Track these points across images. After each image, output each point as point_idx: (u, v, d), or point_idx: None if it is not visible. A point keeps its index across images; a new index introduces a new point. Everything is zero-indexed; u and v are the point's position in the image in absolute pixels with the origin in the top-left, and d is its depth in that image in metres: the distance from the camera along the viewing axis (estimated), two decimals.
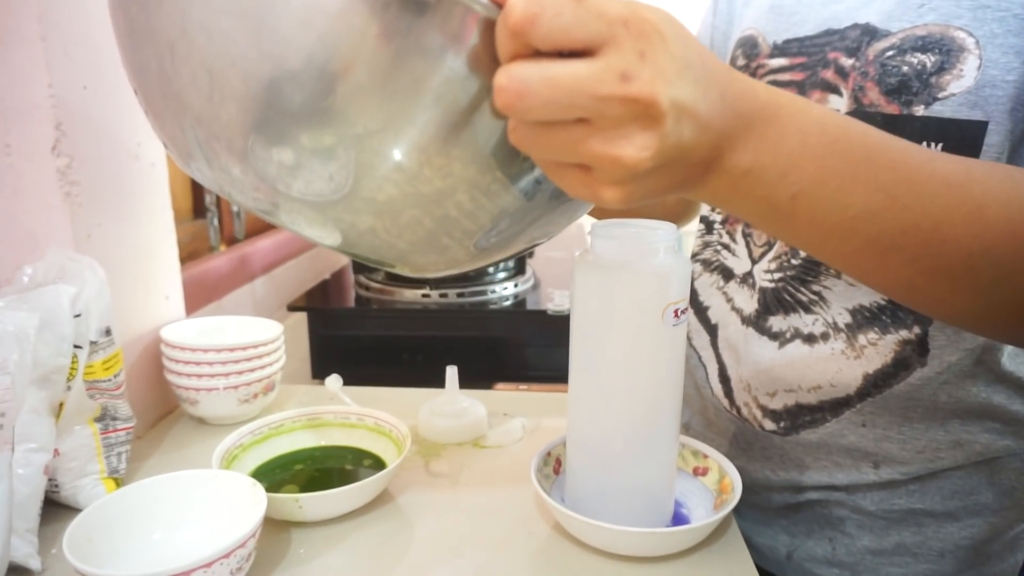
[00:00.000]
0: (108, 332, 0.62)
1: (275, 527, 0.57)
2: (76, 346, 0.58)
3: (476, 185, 0.34)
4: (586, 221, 0.55)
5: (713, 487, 0.59)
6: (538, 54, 0.29)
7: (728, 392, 0.62)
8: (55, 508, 0.59)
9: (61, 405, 0.58)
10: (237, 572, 0.47)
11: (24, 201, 0.64)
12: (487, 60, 0.30)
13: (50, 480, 0.58)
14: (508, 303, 1.19)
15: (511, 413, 0.79)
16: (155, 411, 0.79)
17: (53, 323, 0.56)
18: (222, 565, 0.45)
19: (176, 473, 0.54)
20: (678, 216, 0.75)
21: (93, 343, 0.60)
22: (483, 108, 0.32)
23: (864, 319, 0.53)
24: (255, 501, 0.52)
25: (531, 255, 1.52)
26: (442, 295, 1.18)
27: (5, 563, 0.48)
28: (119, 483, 0.62)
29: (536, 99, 0.29)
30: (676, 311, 0.49)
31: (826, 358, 0.55)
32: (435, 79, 0.30)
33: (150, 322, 0.78)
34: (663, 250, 0.49)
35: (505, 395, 0.86)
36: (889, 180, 0.38)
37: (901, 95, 0.49)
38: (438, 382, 0.77)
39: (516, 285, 1.23)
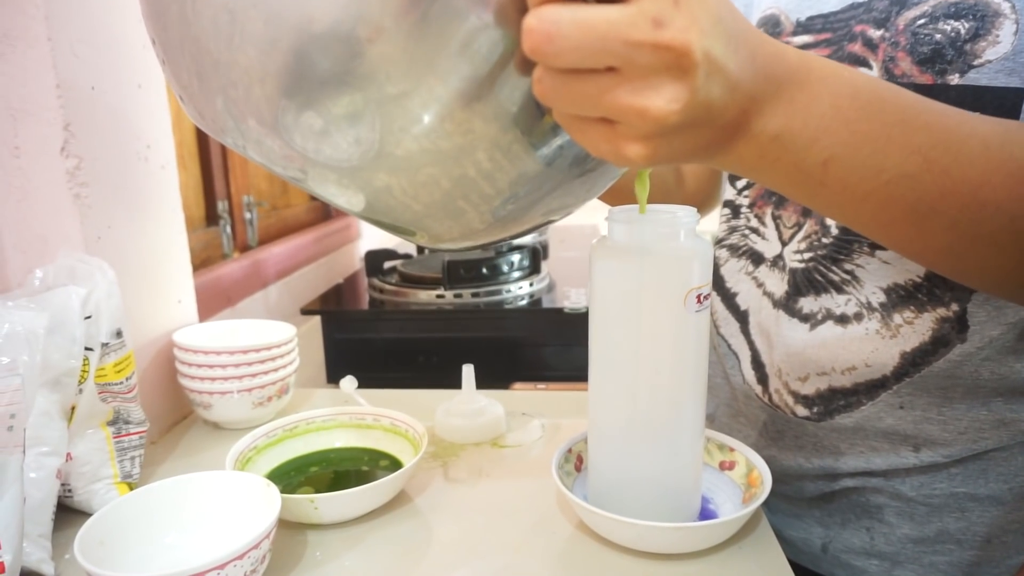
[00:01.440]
0: (119, 334, 0.61)
1: (291, 529, 0.56)
2: (87, 348, 0.57)
3: (496, 144, 0.33)
4: (601, 211, 0.53)
5: (741, 481, 0.57)
6: None
7: (762, 379, 0.60)
8: (68, 513, 0.58)
9: (73, 408, 0.57)
10: (251, 574, 0.46)
11: (34, 203, 0.63)
12: (515, 13, 0.29)
13: (63, 485, 0.57)
14: (524, 302, 1.17)
15: (530, 413, 0.78)
16: (169, 416, 0.78)
17: (63, 325, 0.55)
18: (236, 567, 0.44)
19: (189, 475, 0.53)
20: (699, 205, 0.73)
21: (104, 345, 0.59)
22: (508, 63, 0.31)
23: (899, 298, 0.51)
24: (269, 502, 0.50)
25: (546, 256, 1.51)
26: (457, 295, 1.16)
27: (18, 568, 0.47)
28: (132, 488, 0.61)
29: (566, 42, 0.28)
30: (699, 296, 0.48)
31: (860, 338, 0.53)
32: (462, 30, 0.29)
33: (163, 326, 0.77)
34: (684, 233, 0.48)
35: (523, 395, 0.85)
36: (925, 143, 0.37)
37: (935, 64, 0.47)
38: (454, 384, 0.76)
39: (531, 284, 1.22)
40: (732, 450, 0.59)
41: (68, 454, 0.56)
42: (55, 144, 0.62)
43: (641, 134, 0.31)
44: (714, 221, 0.71)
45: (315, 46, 0.30)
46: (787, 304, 0.57)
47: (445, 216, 0.37)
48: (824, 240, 0.54)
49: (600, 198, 0.64)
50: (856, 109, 0.36)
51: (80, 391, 0.57)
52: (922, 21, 0.48)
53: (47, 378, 0.53)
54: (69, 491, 0.58)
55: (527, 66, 0.31)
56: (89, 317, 0.58)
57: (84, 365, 0.57)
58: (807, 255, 0.55)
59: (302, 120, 0.32)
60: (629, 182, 0.47)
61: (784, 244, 0.57)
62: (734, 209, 0.64)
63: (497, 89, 0.31)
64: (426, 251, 1.53)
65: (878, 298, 0.52)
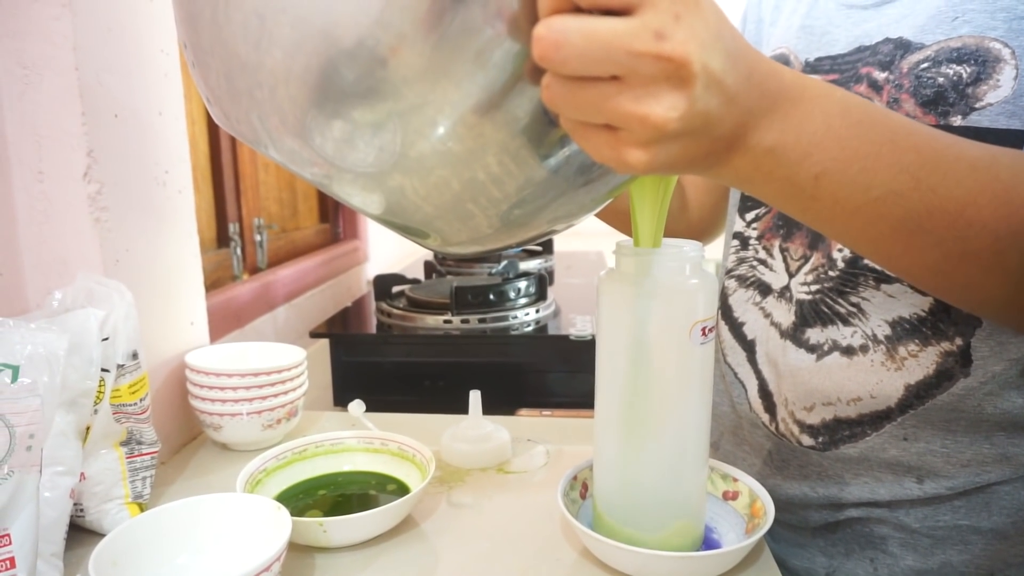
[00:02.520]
0: (135, 356, 0.62)
1: (299, 552, 0.56)
2: (103, 369, 0.58)
3: (505, 149, 0.35)
4: (605, 238, 0.55)
5: (744, 511, 0.58)
6: (578, 11, 0.30)
7: (770, 407, 0.61)
8: (80, 533, 0.59)
9: (88, 429, 0.58)
10: None
11: (55, 226, 0.65)
12: (527, 25, 0.31)
13: (75, 504, 0.58)
14: (529, 328, 1.18)
15: (534, 439, 0.78)
16: (179, 437, 0.79)
17: (81, 346, 0.56)
18: None
19: (200, 497, 0.54)
20: (702, 233, 0.75)
21: (120, 367, 0.60)
22: (520, 72, 0.33)
23: (904, 331, 0.52)
24: (279, 525, 0.51)
25: (552, 283, 1.52)
26: (464, 321, 1.17)
27: None
28: (143, 508, 0.61)
29: (572, 50, 0.30)
30: (704, 329, 0.49)
31: (866, 369, 0.54)
32: (479, 42, 0.31)
33: (175, 348, 0.78)
34: (690, 267, 0.49)
35: (528, 421, 0.85)
36: (913, 162, 0.38)
37: (937, 106, 0.49)
38: (460, 408, 0.77)
39: (537, 311, 1.23)
40: (735, 480, 0.59)
41: (82, 474, 0.57)
42: (78, 169, 0.64)
43: (641, 140, 0.33)
44: (718, 249, 0.72)
45: (341, 60, 0.32)
46: (794, 335, 0.58)
47: (455, 218, 0.39)
48: (831, 273, 0.55)
49: (602, 219, 0.65)
50: (847, 127, 0.37)
51: (95, 412, 0.58)
52: (925, 65, 0.49)
53: (64, 399, 0.54)
54: (81, 511, 0.58)
55: (537, 75, 0.33)
56: (106, 339, 0.59)
57: (100, 386, 0.58)
58: (814, 287, 0.57)
59: (327, 129, 0.34)
60: (627, 205, 0.49)
61: (791, 276, 0.59)
62: (743, 241, 0.65)
63: (508, 97, 0.33)
64: (434, 276, 1.54)
65: (883, 331, 0.53)
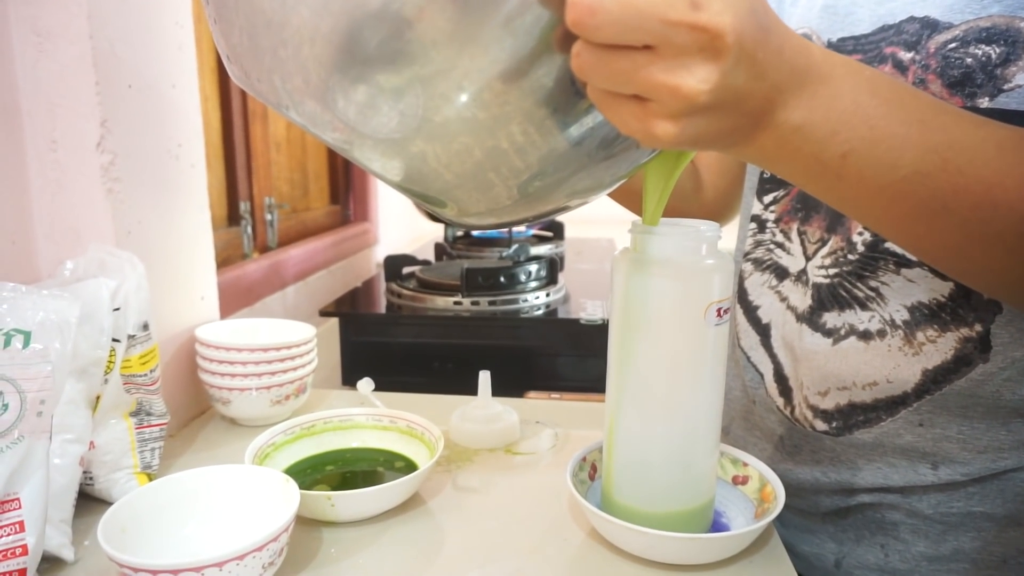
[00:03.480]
0: (146, 327, 0.62)
1: (307, 526, 0.56)
2: (114, 339, 0.58)
3: (530, 118, 0.34)
4: (618, 225, 0.54)
5: (754, 496, 0.57)
6: None
7: (785, 391, 0.61)
8: (89, 501, 0.59)
9: (98, 398, 0.58)
10: (269, 567, 0.47)
11: (68, 196, 0.65)
12: None
13: (85, 472, 0.58)
14: (540, 312, 1.18)
15: (543, 422, 0.78)
16: (188, 410, 0.79)
17: (93, 316, 0.56)
18: (255, 558, 0.44)
19: (209, 467, 0.54)
20: (715, 216, 0.74)
21: (131, 337, 0.60)
22: (549, 39, 0.32)
23: (923, 316, 0.52)
24: (287, 497, 0.51)
25: (562, 267, 1.52)
26: (474, 303, 1.17)
27: (40, 551, 0.48)
28: (151, 478, 0.62)
29: (606, 16, 0.30)
30: (719, 310, 0.48)
31: (883, 354, 0.53)
32: (508, 5, 0.31)
33: (185, 322, 0.78)
34: (706, 247, 0.48)
35: (536, 403, 0.85)
36: (941, 142, 0.38)
37: (964, 87, 0.48)
38: (467, 390, 0.76)
39: (548, 295, 1.22)
40: (746, 465, 0.59)
41: (91, 442, 0.57)
42: (91, 140, 0.64)
43: (671, 112, 0.32)
44: (732, 236, 0.71)
45: (366, 24, 0.31)
46: (810, 318, 0.57)
47: (474, 187, 0.38)
48: (850, 256, 0.55)
49: (616, 199, 0.65)
50: (876, 106, 0.37)
51: (106, 381, 0.58)
52: (953, 45, 0.49)
53: (75, 367, 0.54)
54: (90, 479, 0.59)
55: (566, 43, 0.32)
56: (117, 309, 0.59)
57: (111, 356, 0.58)
58: (832, 271, 0.56)
59: (351, 92, 0.34)
60: (637, 182, 0.48)
61: (808, 259, 0.58)
62: (760, 223, 0.64)
63: (536, 65, 0.33)
64: (444, 258, 1.54)
65: (902, 316, 0.52)
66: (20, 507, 0.47)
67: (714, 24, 0.30)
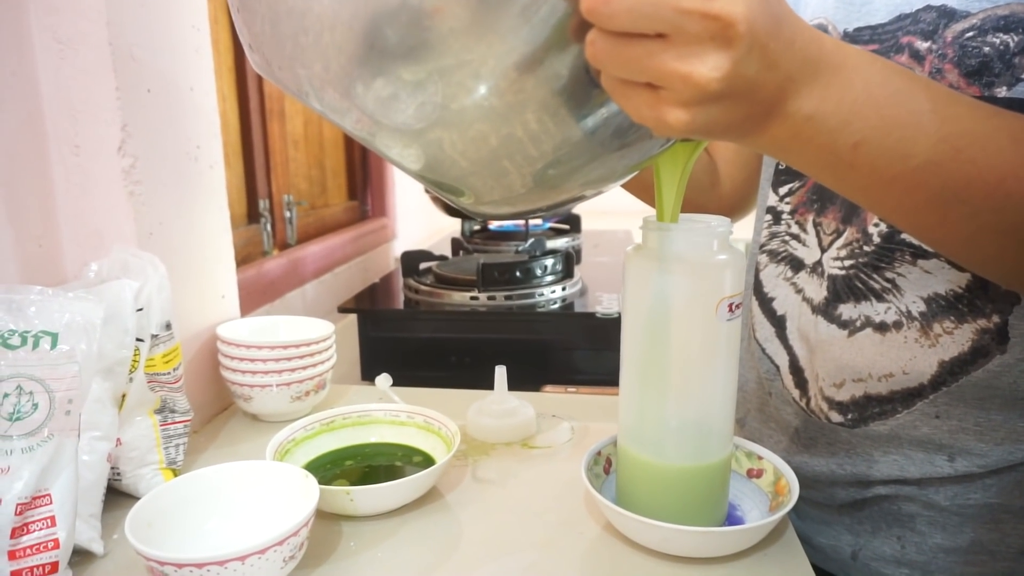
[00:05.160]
0: (168, 326, 0.64)
1: (326, 520, 0.57)
2: (138, 339, 0.60)
3: (545, 107, 0.35)
4: (633, 217, 0.54)
5: (768, 489, 0.58)
6: None
7: (800, 383, 0.61)
8: (116, 496, 0.60)
9: (123, 396, 0.60)
10: (290, 560, 0.48)
11: (91, 199, 0.66)
12: None
13: (112, 468, 0.60)
14: (556, 306, 1.18)
15: (559, 415, 0.79)
16: (210, 407, 0.81)
17: (117, 316, 0.58)
18: (276, 552, 0.46)
19: (232, 463, 0.55)
20: (732, 209, 0.74)
21: (154, 336, 0.62)
22: (565, 28, 0.33)
23: (939, 307, 0.52)
24: (307, 492, 0.52)
25: (579, 261, 1.52)
26: (490, 298, 1.18)
27: (71, 545, 0.49)
28: (176, 474, 0.63)
29: (620, 4, 0.30)
30: (730, 305, 0.48)
31: (899, 345, 0.53)
32: None
33: (207, 320, 0.80)
34: (717, 243, 0.49)
35: (553, 397, 0.86)
36: (953, 132, 0.38)
37: (982, 76, 0.48)
38: (485, 384, 0.77)
39: (564, 288, 1.23)
40: (760, 458, 0.59)
41: (118, 439, 0.59)
42: (112, 143, 0.65)
43: (683, 100, 0.33)
44: (748, 229, 0.71)
45: (386, 11, 0.32)
46: (826, 310, 0.58)
47: (489, 175, 0.39)
48: (865, 248, 0.55)
49: (630, 191, 0.65)
50: (888, 95, 0.37)
51: (131, 380, 0.60)
52: (971, 34, 0.48)
53: (101, 366, 0.56)
54: (118, 474, 0.60)
55: (581, 31, 0.33)
56: (141, 309, 0.60)
57: (135, 355, 0.59)
58: (847, 262, 0.56)
59: (370, 80, 0.34)
60: (652, 175, 0.49)
61: (823, 251, 0.58)
62: (775, 215, 0.64)
63: (552, 54, 0.34)
64: (461, 253, 1.55)
65: (918, 307, 0.52)
66: (51, 502, 0.48)
67: (726, 12, 0.31)
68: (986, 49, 0.48)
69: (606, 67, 0.33)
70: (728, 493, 0.56)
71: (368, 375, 1.21)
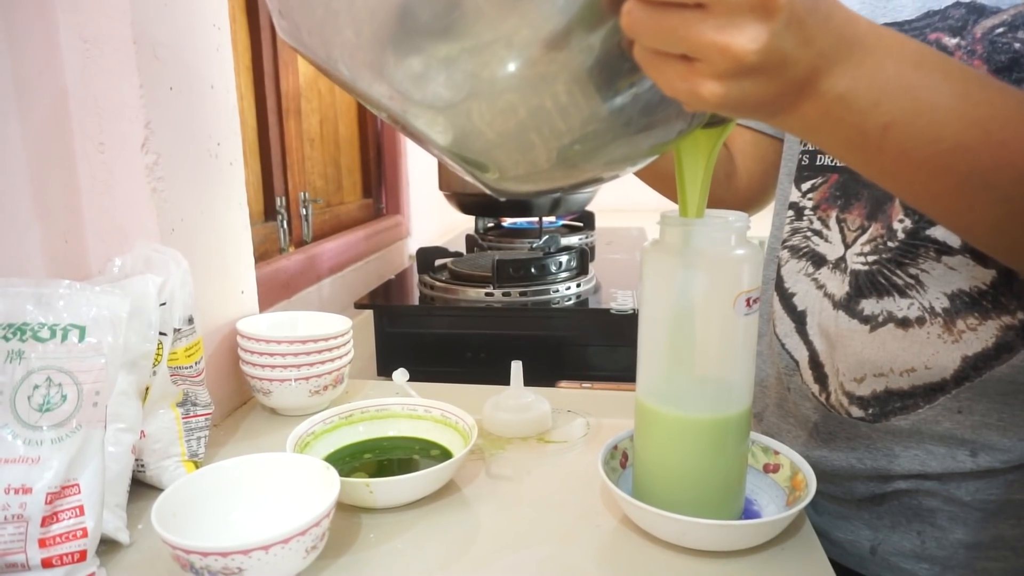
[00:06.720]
0: (191, 321, 0.65)
1: (346, 512, 0.58)
2: (161, 333, 0.61)
3: (576, 79, 0.35)
4: (648, 215, 0.55)
5: (785, 484, 0.58)
6: None
7: (820, 378, 0.61)
8: (140, 487, 0.62)
9: (147, 389, 0.61)
10: (312, 551, 0.48)
11: (115, 196, 0.67)
12: None
13: (137, 460, 0.61)
14: (570, 303, 1.18)
15: (575, 411, 0.79)
16: (231, 401, 0.82)
17: (141, 311, 0.58)
18: (299, 542, 0.46)
19: (253, 455, 0.56)
20: (749, 202, 0.74)
21: (177, 331, 0.63)
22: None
23: (963, 304, 0.51)
24: (328, 484, 0.53)
25: (593, 258, 1.52)
26: (505, 294, 1.18)
27: (99, 534, 0.50)
28: (198, 466, 0.64)
29: None
30: (748, 300, 0.49)
31: (921, 341, 0.53)
32: None
33: (227, 315, 0.81)
34: (735, 237, 0.49)
35: (568, 393, 0.86)
36: (985, 115, 0.38)
37: (1012, 73, 0.48)
38: (500, 380, 0.78)
39: (579, 285, 1.23)
40: (777, 453, 0.59)
41: (142, 432, 0.60)
42: (136, 141, 0.66)
43: (718, 72, 0.33)
44: (765, 226, 0.71)
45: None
46: (847, 305, 0.58)
47: (515, 148, 0.39)
48: (890, 244, 0.55)
49: (646, 181, 0.65)
50: (920, 78, 0.37)
51: (154, 373, 0.61)
52: (1001, 30, 0.48)
53: (125, 360, 0.57)
54: (142, 466, 0.61)
55: (617, 2, 0.33)
56: (164, 304, 0.61)
57: (158, 349, 0.60)
58: (871, 258, 0.56)
59: (401, 50, 0.35)
60: (671, 165, 0.49)
61: (847, 247, 0.58)
62: (798, 211, 0.64)
63: (585, 25, 0.33)
64: (476, 250, 1.55)
65: (942, 303, 0.52)
66: (80, 492, 0.49)
67: None
68: (1016, 45, 0.47)
69: (641, 37, 0.33)
70: (745, 488, 0.56)
71: (384, 371, 1.21)
